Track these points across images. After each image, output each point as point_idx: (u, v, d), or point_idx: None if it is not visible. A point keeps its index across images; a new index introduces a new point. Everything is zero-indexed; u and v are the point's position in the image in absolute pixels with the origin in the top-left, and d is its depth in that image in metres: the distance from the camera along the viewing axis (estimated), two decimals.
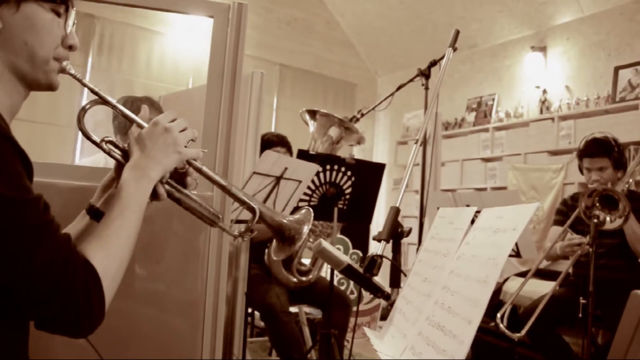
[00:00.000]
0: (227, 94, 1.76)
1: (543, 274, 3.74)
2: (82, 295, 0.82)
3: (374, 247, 4.15)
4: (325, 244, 1.25)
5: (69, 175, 1.73)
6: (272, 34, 6.04)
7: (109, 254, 0.90)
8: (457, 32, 1.98)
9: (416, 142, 1.73)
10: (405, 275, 1.53)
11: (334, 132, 3.00)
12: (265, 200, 2.20)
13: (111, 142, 1.11)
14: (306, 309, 3.29)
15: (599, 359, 2.60)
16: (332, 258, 1.26)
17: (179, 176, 1.14)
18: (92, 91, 1.09)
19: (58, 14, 0.97)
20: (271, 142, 3.19)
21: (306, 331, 3.26)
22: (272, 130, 5.84)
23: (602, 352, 2.58)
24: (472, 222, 1.09)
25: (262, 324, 2.88)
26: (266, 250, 2.88)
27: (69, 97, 4.57)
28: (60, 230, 0.85)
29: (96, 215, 1.14)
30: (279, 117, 6.27)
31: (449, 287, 0.88)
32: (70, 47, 1.01)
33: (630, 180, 2.96)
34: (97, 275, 0.85)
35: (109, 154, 1.11)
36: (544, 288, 3.20)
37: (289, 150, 3.34)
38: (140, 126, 1.10)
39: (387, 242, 1.40)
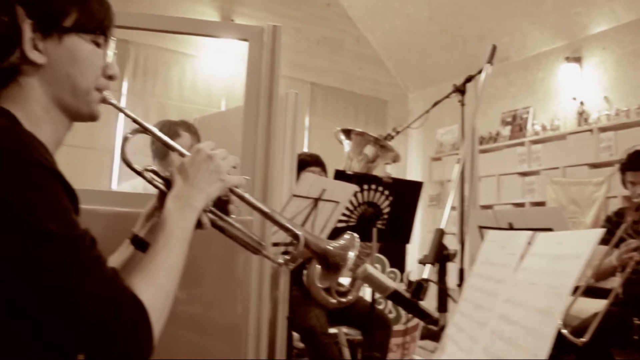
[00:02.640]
0: (264, 116, 1.75)
1: (589, 292, 3.62)
2: (131, 330, 0.80)
3: (411, 265, 4.12)
4: (371, 269, 1.23)
5: (108, 201, 1.75)
6: (302, 53, 6.08)
7: (155, 287, 0.89)
8: (494, 48, 1.96)
9: (458, 161, 1.70)
10: (451, 298, 1.49)
11: (369, 150, 2.98)
12: (304, 223, 2.19)
13: (153, 171, 1.11)
14: (345, 330, 3.24)
15: None
16: (378, 284, 1.23)
17: (221, 204, 1.12)
18: (134, 120, 1.10)
19: (98, 45, 0.98)
20: (306, 162, 3.18)
21: (346, 353, 3.21)
22: (305, 149, 5.85)
23: None
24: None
25: (300, 345, 2.85)
26: (304, 272, 2.85)
27: (105, 121, 4.62)
28: (107, 265, 0.84)
29: (140, 245, 1.14)
30: (311, 136, 6.28)
31: (507, 316, 0.84)
32: (111, 77, 1.02)
33: None
34: (144, 309, 0.84)
35: (151, 182, 1.11)
36: (591, 306, 3.10)
37: (323, 169, 3.32)
38: (181, 154, 1.09)
39: (433, 265, 1.37)
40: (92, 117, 1.01)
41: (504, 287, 0.92)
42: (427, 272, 1.32)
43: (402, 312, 4.62)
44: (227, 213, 1.13)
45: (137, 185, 2.59)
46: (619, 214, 2.98)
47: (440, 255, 1.40)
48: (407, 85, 7.11)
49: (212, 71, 5.59)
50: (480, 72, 2.43)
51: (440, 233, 1.45)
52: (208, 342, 1.76)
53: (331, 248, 1.16)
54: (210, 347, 1.76)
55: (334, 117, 6.34)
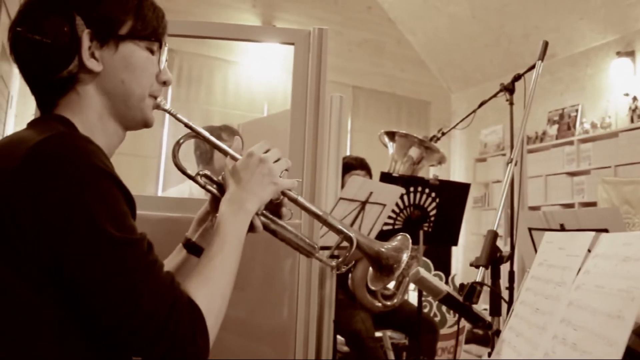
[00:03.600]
0: (311, 120, 1.75)
1: None
2: (188, 335, 0.81)
3: (455, 268, 4.07)
4: (424, 272, 1.21)
5: (156, 206, 1.77)
6: (343, 57, 6.07)
7: (211, 292, 0.89)
8: (546, 44, 1.91)
9: (510, 162, 1.65)
10: (506, 302, 1.45)
11: (414, 152, 2.95)
12: (351, 225, 2.17)
13: (206, 176, 1.12)
14: (390, 333, 3.21)
15: None
16: (430, 287, 1.21)
17: (273, 207, 1.13)
18: (187, 125, 1.11)
19: (152, 52, 1.00)
20: (351, 165, 3.18)
21: (391, 356, 3.18)
22: (348, 153, 5.84)
23: None
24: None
25: (344, 348, 2.84)
26: (350, 275, 2.84)
27: (151, 128, 4.72)
28: (163, 269, 0.85)
29: (193, 249, 1.15)
30: (354, 139, 6.27)
31: (570, 321, 0.81)
32: (165, 83, 1.04)
33: None
34: (201, 314, 0.84)
35: (204, 187, 1.12)
36: None
37: (368, 172, 3.31)
38: (234, 158, 1.10)
39: (487, 268, 1.33)
40: (146, 124, 1.03)
41: (566, 290, 0.88)
42: (480, 275, 1.29)
43: (448, 316, 4.56)
44: (279, 216, 1.14)
45: (183, 190, 2.64)
46: None
47: (493, 258, 1.36)
48: (449, 86, 7.02)
49: (254, 77, 5.65)
50: (529, 69, 2.37)
51: (494, 235, 1.42)
52: (255, 345, 1.76)
53: (384, 250, 1.14)
54: (257, 350, 1.76)
55: (376, 120, 6.31)
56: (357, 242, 1.12)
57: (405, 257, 1.12)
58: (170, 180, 4.71)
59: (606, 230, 2.16)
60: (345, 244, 1.16)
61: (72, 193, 0.77)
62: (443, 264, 5.37)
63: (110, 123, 0.97)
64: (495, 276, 1.38)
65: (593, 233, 0.92)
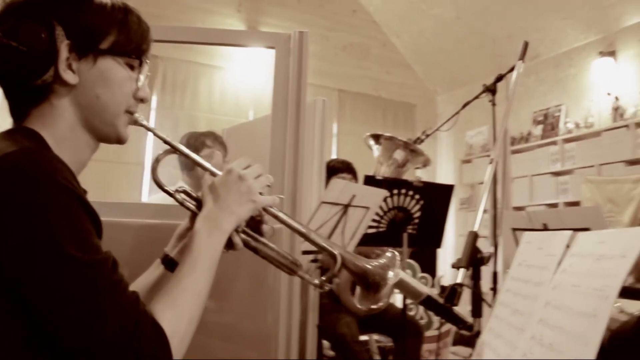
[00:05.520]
0: (292, 124, 1.74)
1: (627, 293, 3.51)
2: (150, 357, 0.79)
3: (442, 270, 4.07)
4: (403, 275, 1.20)
5: (138, 213, 1.75)
6: (328, 60, 6.07)
7: (178, 313, 0.87)
8: (526, 44, 1.91)
9: (491, 162, 1.65)
10: (486, 303, 1.45)
11: (399, 155, 2.95)
12: (334, 229, 2.16)
13: (185, 192, 1.10)
14: (376, 337, 3.21)
15: None
16: (410, 290, 1.20)
17: (255, 224, 1.10)
18: (165, 141, 1.08)
19: (132, 67, 0.98)
20: (337, 168, 3.17)
21: (377, 359, 3.18)
22: (334, 156, 5.84)
23: None
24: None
25: (330, 353, 2.83)
26: (334, 279, 2.83)
27: (135, 135, 4.65)
28: (128, 289, 0.83)
29: (170, 265, 1.12)
30: (340, 143, 6.26)
31: (547, 321, 0.80)
32: (142, 100, 1.01)
33: None
34: (165, 337, 0.82)
35: (182, 204, 1.10)
36: (632, 308, 3.00)
37: (354, 176, 3.30)
38: (212, 174, 1.08)
39: (467, 269, 1.33)
40: (120, 140, 1.01)
41: (544, 290, 0.88)
42: (461, 276, 1.29)
43: (434, 318, 4.56)
44: (260, 233, 1.11)
45: (166, 197, 2.61)
46: None
47: (474, 259, 1.36)
48: (435, 88, 7.04)
49: (240, 82, 5.63)
50: (511, 70, 2.39)
51: (474, 236, 1.41)
52: (238, 350, 1.75)
53: (370, 267, 1.13)
54: (241, 355, 1.75)
55: (362, 123, 6.32)
56: (342, 259, 1.10)
57: (391, 274, 1.11)
58: (155, 187, 4.68)
59: (588, 229, 2.17)
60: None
61: (34, 211, 0.75)
62: (430, 266, 5.37)
63: (82, 135, 0.95)
64: (477, 277, 1.37)
65: (570, 232, 0.91)
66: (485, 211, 4.59)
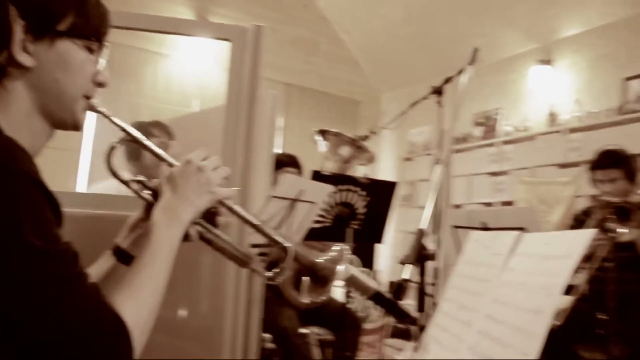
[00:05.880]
0: (245, 117, 1.74)
1: None
2: (111, 349, 0.78)
3: (381, 265, 4.14)
4: (354, 270, 1.23)
5: (81, 203, 1.71)
6: (277, 54, 6.05)
7: (139, 304, 0.86)
8: (476, 50, 1.98)
9: (437, 162, 1.71)
10: (431, 298, 1.50)
11: (345, 151, 2.98)
12: (281, 224, 2.18)
13: (140, 182, 1.09)
14: (316, 330, 3.25)
15: None
16: (360, 285, 1.23)
17: (209, 216, 1.10)
18: (124, 130, 1.06)
19: (91, 50, 0.95)
20: (283, 162, 3.18)
21: (316, 352, 3.22)
22: (279, 150, 5.83)
23: None
24: None
25: (270, 345, 2.85)
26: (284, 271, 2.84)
27: None
28: (88, 281, 0.81)
29: (123, 257, 1.10)
30: (286, 137, 6.26)
31: (494, 316, 0.85)
32: (100, 84, 0.99)
33: None
34: (126, 329, 0.81)
35: (138, 194, 1.08)
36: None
37: (300, 170, 3.32)
38: (170, 165, 1.07)
39: (414, 265, 1.38)
40: (76, 126, 0.98)
41: (491, 287, 0.93)
42: (408, 272, 1.33)
43: (372, 311, 4.66)
44: (215, 225, 1.12)
45: (110, 186, 2.54)
46: (587, 213, 3.06)
47: (420, 255, 1.41)
48: (380, 86, 7.15)
49: (185, 71, 5.53)
50: (459, 73, 2.46)
51: (421, 233, 1.46)
52: (183, 344, 1.74)
53: (320, 261, 1.15)
54: (185, 349, 1.74)
55: (308, 118, 6.34)
56: (294, 253, 1.12)
57: (340, 268, 1.14)
58: (97, 175, 4.53)
59: (523, 228, 2.28)
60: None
61: None
62: (368, 261, 5.47)
63: (38, 121, 0.92)
64: (422, 273, 1.43)
65: (517, 232, 0.96)
66: (422, 208, 4.72)
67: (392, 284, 1.37)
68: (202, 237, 1.09)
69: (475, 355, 0.83)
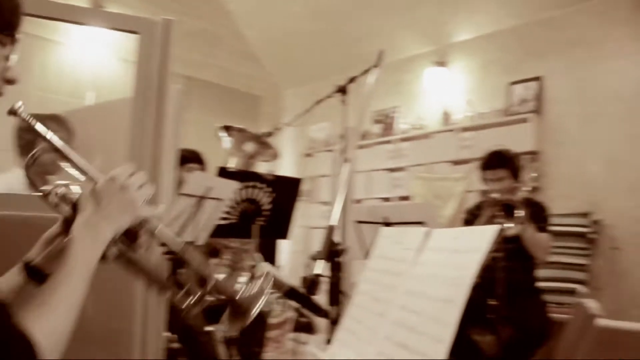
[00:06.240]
0: (154, 113, 1.70)
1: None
2: None
3: (282, 260, 4.15)
4: (269, 267, 1.25)
5: None
6: (177, 46, 5.88)
7: (51, 325, 0.81)
8: (382, 52, 2.06)
9: (345, 160, 1.77)
10: (342, 292, 1.56)
11: (249, 147, 2.99)
12: (189, 220, 2.15)
13: (61, 196, 1.03)
14: (221, 327, 3.23)
15: (505, 354, 2.77)
16: (276, 282, 1.26)
17: (130, 236, 1.05)
18: (44, 139, 1.01)
19: (2, 44, 0.90)
20: (186, 158, 3.13)
21: (222, 350, 3.21)
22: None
23: (508, 348, 2.77)
24: None
25: (174, 345, 2.80)
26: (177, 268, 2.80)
27: None
28: None
29: (35, 274, 1.03)
30: (185, 131, 6.13)
31: (408, 307, 0.91)
32: (10, 82, 0.94)
33: (526, 188, 3.22)
34: (34, 349, 0.76)
35: (55, 207, 1.02)
36: None
37: (203, 166, 3.29)
38: (93, 180, 1.02)
39: (326, 260, 1.43)
40: None
41: (403, 280, 0.98)
42: (320, 267, 1.37)
43: (275, 306, 4.70)
44: (135, 246, 1.06)
45: (12, 184, 2.37)
46: (479, 207, 3.28)
47: (331, 251, 1.46)
48: (282, 82, 7.18)
49: (79, 60, 5.25)
50: (364, 73, 2.55)
51: (331, 229, 1.51)
52: (90, 348, 1.68)
53: (239, 297, 1.12)
54: (93, 352, 1.68)
55: (208, 112, 6.24)
56: (215, 285, 1.09)
57: (260, 302, 1.11)
58: None
59: (423, 223, 2.41)
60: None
61: None
62: (270, 257, 5.49)
63: None
64: (334, 269, 1.48)
65: (426, 229, 1.03)
66: (326, 203, 4.84)
67: (304, 279, 1.40)
68: (119, 258, 1.03)
69: (392, 344, 0.88)
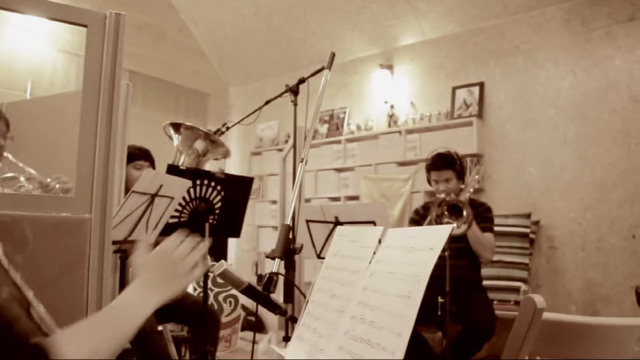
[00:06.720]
0: (105, 109, 1.67)
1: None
2: None
3: (229, 259, 4.16)
4: (227, 265, 1.26)
5: None
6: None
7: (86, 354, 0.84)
8: (333, 55, 2.10)
9: (301, 161, 1.79)
10: (298, 289, 1.58)
11: (199, 145, 2.97)
12: (140, 219, 2.12)
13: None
14: (170, 326, 3.20)
15: (453, 351, 2.87)
16: (233, 279, 1.27)
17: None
18: None
19: None
20: (134, 155, 3.08)
21: (172, 349, 3.17)
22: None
23: (455, 344, 2.86)
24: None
25: (126, 345, 2.76)
26: (127, 266, 2.76)
27: None
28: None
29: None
30: (129, 126, 5.99)
31: (367, 303, 0.94)
32: None
33: (471, 189, 3.33)
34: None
35: None
36: None
37: (152, 164, 3.24)
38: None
39: (282, 259, 1.44)
40: None
41: (360, 277, 1.02)
42: (276, 266, 1.39)
43: (225, 305, 4.69)
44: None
45: None
46: (426, 207, 3.37)
47: (287, 249, 1.47)
48: (228, 79, 7.13)
49: (16, 50, 5.05)
50: (314, 74, 2.58)
51: (287, 228, 1.52)
52: None
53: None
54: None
55: (154, 108, 6.14)
56: None
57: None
58: None
59: (373, 222, 2.46)
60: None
61: None
62: (219, 254, 5.47)
63: None
64: (289, 266, 1.49)
65: (382, 228, 1.06)
66: (274, 202, 4.84)
67: (261, 277, 1.42)
68: None
69: (352, 338, 0.91)
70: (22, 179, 2.11)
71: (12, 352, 0.76)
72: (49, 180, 2.08)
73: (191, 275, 1.10)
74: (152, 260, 1.07)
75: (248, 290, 1.28)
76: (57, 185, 2.05)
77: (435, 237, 0.87)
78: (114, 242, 2.01)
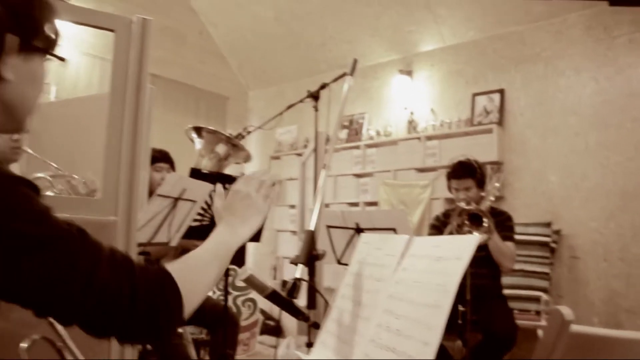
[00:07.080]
0: (132, 112, 1.70)
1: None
2: (153, 296, 0.83)
3: (249, 262, 4.19)
4: (253, 271, 1.27)
5: None
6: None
7: (192, 286, 0.95)
8: (356, 61, 2.10)
9: (324, 167, 1.79)
10: (321, 296, 1.58)
11: (221, 149, 2.99)
12: (163, 222, 2.14)
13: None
14: (190, 329, 3.22)
15: (473, 359, 2.84)
16: (258, 284, 1.28)
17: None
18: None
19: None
20: (154, 158, 3.11)
21: (192, 351, 3.20)
22: None
23: (475, 353, 2.84)
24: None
25: (146, 346, 2.78)
26: None
27: None
28: (104, 251, 0.80)
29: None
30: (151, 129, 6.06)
31: (392, 311, 0.94)
32: None
33: (492, 198, 3.31)
34: (168, 274, 0.86)
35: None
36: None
37: (172, 166, 3.27)
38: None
39: (306, 265, 1.44)
40: (21, 132, 0.97)
41: (386, 285, 1.02)
42: (300, 271, 1.39)
43: (243, 309, 4.71)
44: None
45: None
46: (446, 215, 3.36)
47: (311, 255, 1.48)
48: (247, 83, 7.17)
49: None
50: (336, 79, 2.58)
51: (311, 234, 1.53)
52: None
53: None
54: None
55: (174, 111, 6.19)
56: None
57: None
58: None
59: (394, 229, 2.46)
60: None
61: None
62: (239, 258, 5.49)
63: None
64: (312, 273, 1.50)
65: (407, 236, 1.06)
66: (293, 206, 4.87)
67: (285, 282, 1.43)
68: None
69: (377, 346, 0.91)
70: (47, 177, 2.15)
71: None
72: (75, 177, 2.11)
73: (267, 204, 1.19)
74: (230, 200, 1.14)
75: (272, 296, 1.28)
76: (84, 181, 2.09)
77: (461, 247, 0.87)
78: (138, 245, 2.03)
